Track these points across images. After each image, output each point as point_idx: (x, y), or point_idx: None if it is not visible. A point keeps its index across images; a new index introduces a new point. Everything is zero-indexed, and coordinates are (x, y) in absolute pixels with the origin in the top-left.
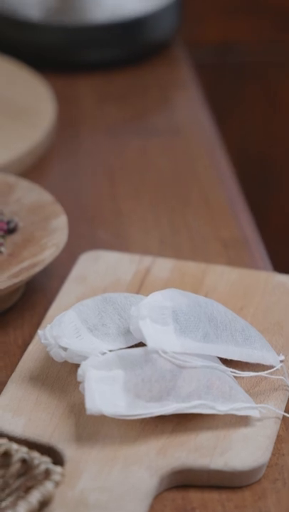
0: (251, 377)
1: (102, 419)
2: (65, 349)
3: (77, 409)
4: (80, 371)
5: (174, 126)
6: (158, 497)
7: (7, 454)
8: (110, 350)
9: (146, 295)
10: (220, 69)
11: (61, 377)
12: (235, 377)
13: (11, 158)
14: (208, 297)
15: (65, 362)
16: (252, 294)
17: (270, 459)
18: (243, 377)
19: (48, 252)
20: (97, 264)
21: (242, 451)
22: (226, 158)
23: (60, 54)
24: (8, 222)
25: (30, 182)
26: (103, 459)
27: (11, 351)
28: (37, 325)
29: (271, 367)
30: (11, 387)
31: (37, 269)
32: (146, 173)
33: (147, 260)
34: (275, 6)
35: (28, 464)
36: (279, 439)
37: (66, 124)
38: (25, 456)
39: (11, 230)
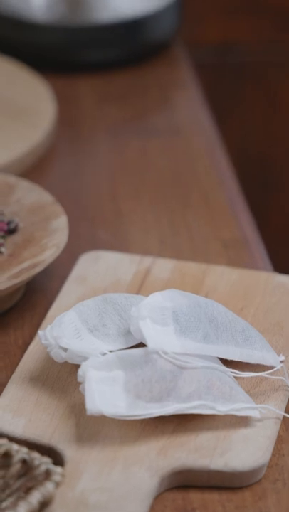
0: (251, 377)
1: (102, 420)
2: (65, 350)
3: (77, 409)
4: (80, 372)
5: (174, 126)
6: (158, 497)
7: (7, 455)
8: (110, 351)
9: (147, 295)
10: (220, 69)
11: (61, 378)
12: (235, 377)
13: (11, 158)
14: (209, 298)
15: (66, 362)
16: (252, 294)
17: (271, 460)
18: (243, 378)
19: (49, 253)
20: (97, 265)
21: (242, 452)
22: (226, 158)
23: (60, 54)
24: (8, 223)
25: (30, 182)
26: (103, 459)
27: (11, 352)
28: (37, 325)
29: (271, 367)
30: (11, 387)
31: (37, 269)
32: (147, 173)
33: (147, 261)
34: (275, 6)
35: (28, 465)
36: (279, 440)
37: (66, 124)
38: (26, 456)
39: (11, 231)
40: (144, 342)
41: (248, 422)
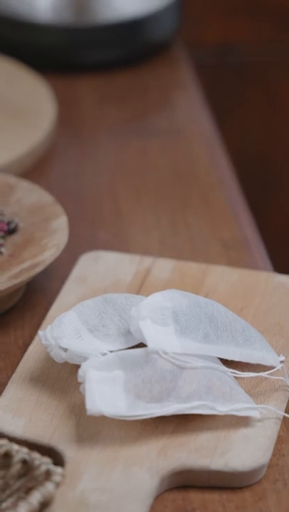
0: (251, 377)
1: (102, 420)
2: (65, 350)
3: (77, 409)
4: (80, 372)
5: (174, 126)
6: (158, 498)
7: (8, 455)
8: (111, 351)
9: (147, 296)
10: (220, 69)
11: (61, 378)
12: (235, 377)
13: (11, 158)
14: (209, 298)
15: (66, 363)
16: (252, 294)
17: (271, 460)
18: (243, 378)
19: (49, 253)
20: (97, 265)
21: (242, 452)
22: (226, 159)
23: (60, 54)
24: (8, 223)
25: (30, 183)
26: (104, 459)
27: (11, 352)
28: (37, 326)
29: (271, 367)
30: (11, 387)
31: (37, 269)
32: (147, 173)
33: (147, 261)
34: (275, 6)
35: (28, 465)
36: (279, 440)
37: (66, 124)
38: (26, 457)
39: (11, 231)
40: (144, 342)
41: (248, 422)
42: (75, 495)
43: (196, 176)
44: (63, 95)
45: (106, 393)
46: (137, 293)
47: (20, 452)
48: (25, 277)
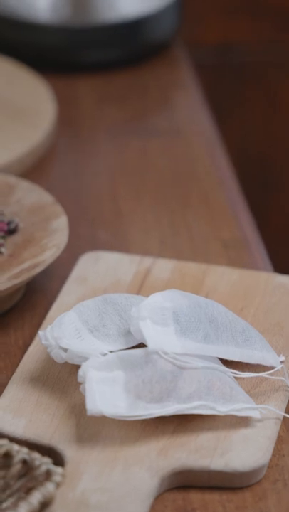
0: (252, 378)
1: (102, 420)
2: (65, 350)
3: (77, 410)
4: (80, 372)
5: (174, 126)
6: (159, 498)
7: (8, 455)
8: (111, 351)
9: (147, 296)
10: (220, 69)
11: (62, 378)
12: (235, 378)
13: (11, 158)
14: (209, 298)
15: (66, 363)
16: (252, 294)
17: (271, 460)
18: (243, 378)
19: (49, 253)
20: (97, 265)
21: (242, 452)
22: (226, 159)
23: (60, 54)
24: (8, 223)
25: (30, 183)
26: (104, 459)
27: (11, 352)
28: (37, 326)
29: (271, 368)
30: (11, 388)
31: (37, 270)
32: (147, 173)
33: (147, 261)
34: (275, 6)
35: (28, 465)
36: (279, 440)
37: (66, 124)
38: (26, 457)
39: (11, 231)
40: (144, 342)
41: (248, 422)
42: (75, 495)
43: (196, 176)
44: (63, 95)
45: (106, 393)
46: (137, 293)
47: (21, 452)
48: (25, 277)
